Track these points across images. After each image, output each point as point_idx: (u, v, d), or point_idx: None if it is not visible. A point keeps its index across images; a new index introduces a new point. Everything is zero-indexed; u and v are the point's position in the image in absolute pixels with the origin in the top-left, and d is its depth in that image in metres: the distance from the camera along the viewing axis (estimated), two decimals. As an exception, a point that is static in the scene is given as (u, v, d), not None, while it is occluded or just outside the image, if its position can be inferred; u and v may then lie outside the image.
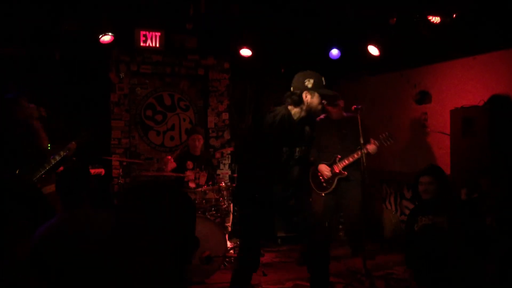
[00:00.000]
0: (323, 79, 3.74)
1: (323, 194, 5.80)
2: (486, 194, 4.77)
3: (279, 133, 3.66)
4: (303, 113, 3.76)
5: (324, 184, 5.79)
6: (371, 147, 5.47)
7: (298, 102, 3.73)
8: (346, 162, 5.66)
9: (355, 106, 5.17)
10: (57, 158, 4.46)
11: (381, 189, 6.99)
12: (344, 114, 5.84)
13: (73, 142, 4.60)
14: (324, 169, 5.74)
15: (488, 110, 5.10)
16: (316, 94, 3.70)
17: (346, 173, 5.68)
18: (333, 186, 5.74)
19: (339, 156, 5.72)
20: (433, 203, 4.18)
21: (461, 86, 5.81)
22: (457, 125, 5.33)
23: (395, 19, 5.56)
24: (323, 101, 3.75)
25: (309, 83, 3.70)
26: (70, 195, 2.82)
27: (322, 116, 5.82)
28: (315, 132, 4.01)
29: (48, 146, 4.63)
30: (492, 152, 4.97)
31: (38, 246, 2.69)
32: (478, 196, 4.81)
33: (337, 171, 5.70)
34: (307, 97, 3.71)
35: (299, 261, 5.74)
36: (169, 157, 5.98)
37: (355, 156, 5.55)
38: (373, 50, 6.27)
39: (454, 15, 5.18)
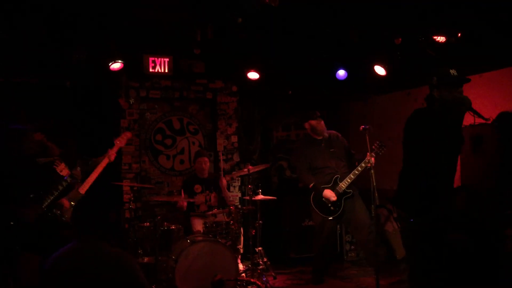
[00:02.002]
0: (451, 71, 3.63)
1: (330, 218, 5.60)
2: None
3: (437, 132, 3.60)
4: (441, 110, 3.66)
5: (332, 208, 5.58)
6: (373, 160, 5.29)
7: (431, 101, 3.68)
8: (349, 180, 5.53)
9: (363, 126, 5.18)
10: (64, 184, 4.51)
11: (391, 208, 6.94)
12: (326, 132, 5.79)
13: (78, 168, 4.64)
14: (330, 194, 5.54)
15: (497, 128, 5.11)
16: (446, 89, 3.61)
17: (351, 191, 5.58)
18: (341, 208, 5.58)
19: (338, 176, 5.60)
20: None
21: (469, 104, 5.80)
22: (466, 143, 5.31)
23: (400, 39, 5.60)
24: (457, 91, 3.62)
25: (433, 80, 3.66)
26: (86, 227, 2.82)
27: (301, 138, 5.79)
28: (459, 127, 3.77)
29: (69, 174, 4.64)
30: (503, 168, 4.96)
31: (47, 273, 2.72)
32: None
33: (341, 191, 5.55)
34: (435, 93, 3.64)
35: (314, 281, 5.70)
36: (184, 202, 6.01)
37: (356, 172, 5.46)
38: (380, 70, 6.32)
39: (459, 34, 5.22)
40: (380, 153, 5.42)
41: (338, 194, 5.54)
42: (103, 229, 2.84)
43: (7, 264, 4.17)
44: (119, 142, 5.13)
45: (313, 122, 5.72)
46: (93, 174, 4.84)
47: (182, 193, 6.04)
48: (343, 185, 5.55)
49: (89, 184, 4.75)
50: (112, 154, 4.99)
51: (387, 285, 5.34)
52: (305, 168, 5.70)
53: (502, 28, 5.08)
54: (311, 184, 5.61)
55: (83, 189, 4.69)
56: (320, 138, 5.76)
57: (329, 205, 5.57)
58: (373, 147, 5.40)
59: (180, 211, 6.08)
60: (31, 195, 4.36)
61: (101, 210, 2.89)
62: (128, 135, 5.32)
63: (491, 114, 5.35)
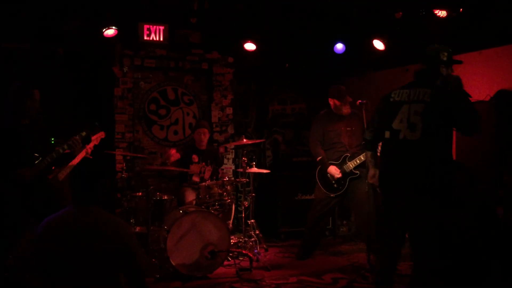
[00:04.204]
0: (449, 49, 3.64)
1: (332, 195, 5.47)
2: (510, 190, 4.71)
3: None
4: (444, 88, 3.63)
5: (335, 185, 5.45)
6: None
7: (435, 76, 3.62)
8: (358, 161, 5.33)
9: (359, 101, 5.13)
10: (61, 151, 4.44)
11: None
12: (350, 110, 5.53)
13: (77, 136, 4.57)
14: (334, 171, 5.39)
15: (494, 105, 5.07)
16: (451, 68, 3.58)
17: (358, 172, 5.38)
18: (345, 187, 5.43)
19: (348, 155, 5.42)
20: None
21: (467, 81, 5.66)
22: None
23: (401, 13, 5.52)
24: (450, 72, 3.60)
25: (443, 56, 3.58)
26: (82, 192, 2.81)
27: (324, 111, 5.69)
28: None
29: (52, 140, 4.61)
30: (499, 147, 4.94)
31: (42, 235, 2.71)
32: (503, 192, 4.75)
33: (348, 171, 5.38)
34: (443, 71, 3.58)
35: (299, 255, 5.72)
36: (173, 150, 5.94)
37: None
38: (379, 44, 6.24)
39: (461, 9, 5.14)
40: None
41: (344, 173, 5.40)
42: (99, 196, 2.84)
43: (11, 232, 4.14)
44: (95, 141, 5.05)
45: (338, 102, 5.46)
46: (72, 163, 4.69)
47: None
48: (351, 164, 5.36)
49: (67, 172, 4.61)
50: (89, 148, 4.90)
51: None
52: (318, 140, 5.55)
53: (503, 5, 5.01)
54: (319, 158, 5.49)
55: (61, 175, 4.60)
56: (343, 115, 5.52)
57: (333, 182, 5.45)
58: None
59: (165, 161, 5.99)
60: (36, 159, 4.31)
61: (97, 178, 2.89)
62: (102, 135, 5.18)
63: (489, 91, 5.32)
